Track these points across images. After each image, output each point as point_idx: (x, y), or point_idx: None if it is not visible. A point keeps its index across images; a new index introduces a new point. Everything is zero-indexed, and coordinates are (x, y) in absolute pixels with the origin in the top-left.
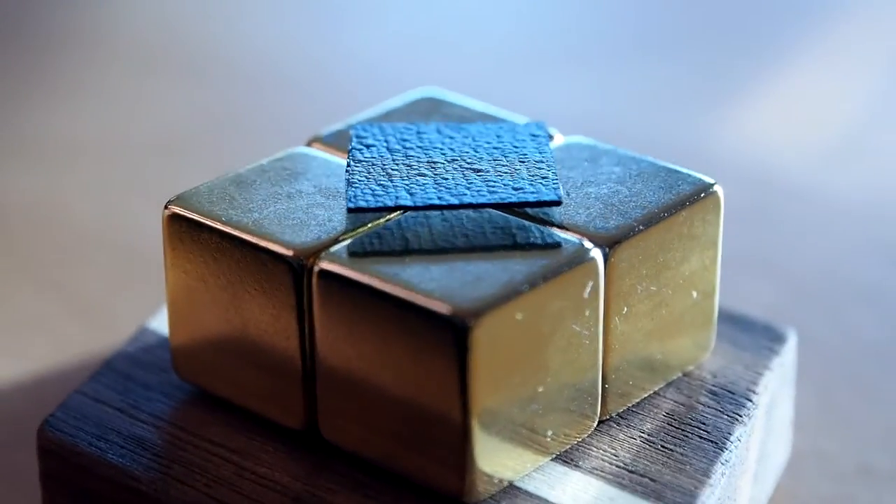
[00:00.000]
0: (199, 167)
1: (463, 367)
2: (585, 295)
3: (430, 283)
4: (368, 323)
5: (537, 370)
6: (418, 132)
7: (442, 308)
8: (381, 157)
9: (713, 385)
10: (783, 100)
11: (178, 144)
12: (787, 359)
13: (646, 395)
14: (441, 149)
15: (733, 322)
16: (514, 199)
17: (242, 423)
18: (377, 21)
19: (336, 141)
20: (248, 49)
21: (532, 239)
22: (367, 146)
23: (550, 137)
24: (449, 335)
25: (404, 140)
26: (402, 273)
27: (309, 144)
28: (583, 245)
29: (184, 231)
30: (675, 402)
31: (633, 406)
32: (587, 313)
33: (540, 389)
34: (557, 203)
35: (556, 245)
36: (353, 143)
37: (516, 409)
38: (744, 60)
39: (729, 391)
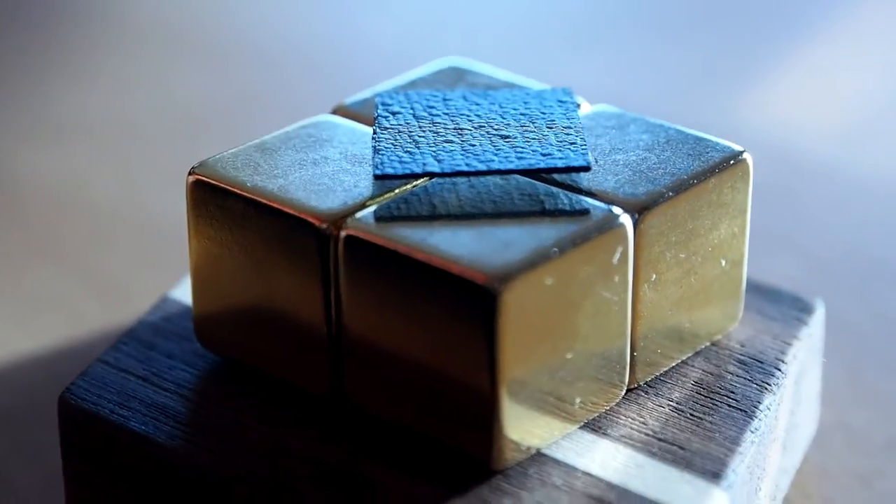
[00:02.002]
0: (221, 144)
1: (492, 334)
2: (615, 261)
3: (458, 249)
4: (395, 289)
5: (566, 337)
6: (444, 99)
7: (470, 273)
8: (408, 123)
9: (742, 354)
10: (806, 78)
11: (199, 123)
12: (815, 329)
13: (674, 364)
14: (468, 115)
15: (761, 293)
16: (542, 165)
17: (267, 391)
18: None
19: (361, 109)
20: (266, 28)
21: (560, 205)
22: (393, 113)
23: (577, 105)
24: (478, 301)
25: (430, 107)
26: (430, 238)
27: (334, 113)
28: (612, 211)
29: (208, 198)
30: (703, 371)
31: (661, 375)
32: (616, 279)
33: (569, 356)
34: (587, 169)
35: (586, 211)
36: (378, 111)
37: (545, 376)
38: (766, 39)
39: (758, 360)
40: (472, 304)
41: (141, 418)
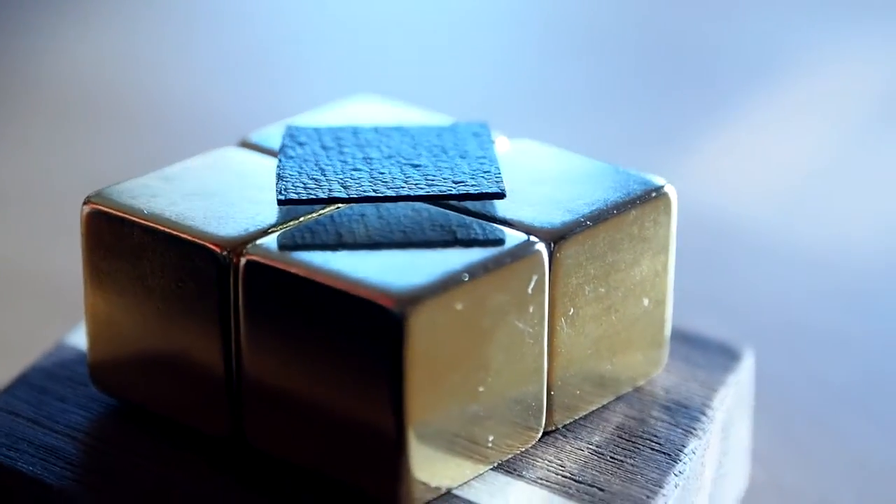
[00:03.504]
0: None
1: (398, 360)
2: (529, 290)
3: (363, 273)
4: (297, 318)
5: (478, 368)
6: (354, 132)
7: (376, 296)
8: (315, 153)
9: (666, 400)
10: (742, 149)
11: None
12: (743, 377)
13: (594, 409)
14: (378, 146)
15: (687, 341)
16: (454, 192)
17: (164, 433)
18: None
19: (267, 142)
20: (161, 88)
21: (474, 234)
22: (300, 143)
23: (492, 139)
24: (384, 325)
25: (339, 138)
26: (334, 263)
27: (240, 146)
28: (528, 239)
29: (103, 227)
30: (625, 415)
31: (580, 419)
32: (531, 310)
33: (480, 389)
34: (500, 196)
35: (500, 240)
36: (284, 141)
37: (455, 410)
38: (701, 103)
39: (683, 406)
40: (377, 328)
41: (29, 459)
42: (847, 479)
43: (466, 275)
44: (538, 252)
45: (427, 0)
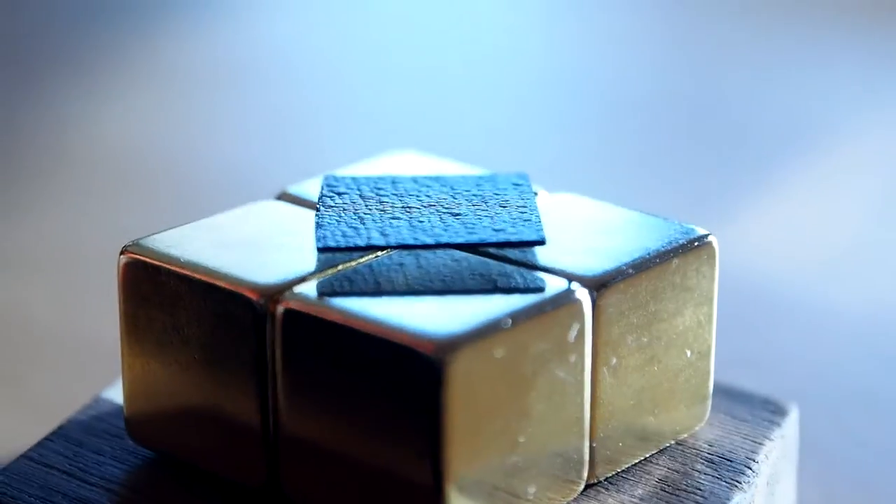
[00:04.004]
0: None
1: (437, 408)
2: (571, 339)
3: (402, 320)
4: (335, 366)
5: (519, 418)
6: (393, 181)
7: (415, 343)
8: (353, 202)
9: (709, 453)
10: (784, 214)
11: None
12: (788, 431)
13: (636, 462)
14: (417, 195)
15: (730, 396)
16: (493, 240)
17: (200, 485)
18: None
19: (306, 195)
20: (196, 151)
21: (514, 283)
22: (339, 193)
23: (535, 193)
24: (423, 372)
25: (378, 188)
26: (372, 310)
27: (278, 199)
28: (569, 286)
29: (140, 277)
30: (668, 468)
31: (622, 472)
32: (573, 359)
33: (521, 440)
34: (540, 243)
35: (540, 287)
36: (322, 191)
37: (495, 460)
38: (747, 171)
39: (727, 459)
40: (416, 375)
41: None
42: None
43: (508, 320)
44: (579, 300)
45: (465, 56)
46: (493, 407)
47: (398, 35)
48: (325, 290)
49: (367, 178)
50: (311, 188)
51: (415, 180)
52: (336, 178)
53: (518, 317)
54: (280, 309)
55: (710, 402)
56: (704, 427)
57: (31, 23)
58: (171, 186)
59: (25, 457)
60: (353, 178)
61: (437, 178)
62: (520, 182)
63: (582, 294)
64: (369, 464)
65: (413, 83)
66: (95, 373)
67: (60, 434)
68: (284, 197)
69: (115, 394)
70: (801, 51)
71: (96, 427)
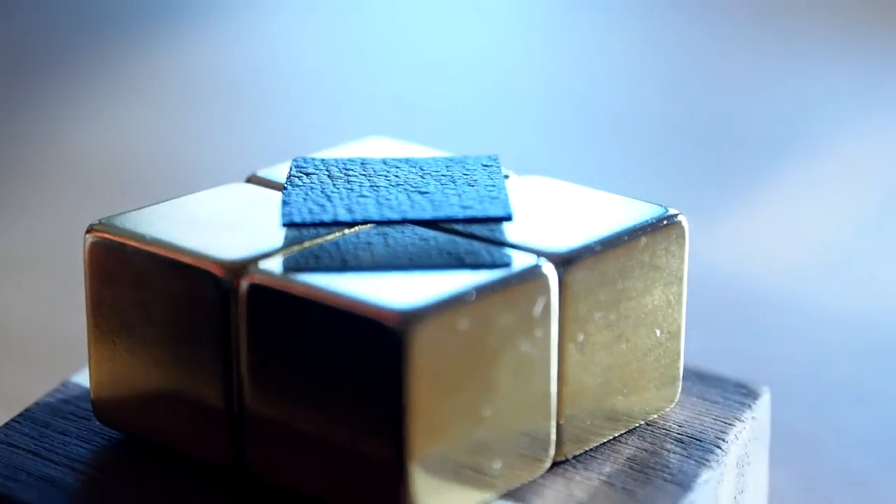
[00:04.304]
0: None
1: (399, 380)
2: (536, 314)
3: (366, 292)
4: (298, 340)
5: (483, 391)
6: (362, 163)
7: (377, 314)
8: (321, 182)
9: (679, 433)
10: (770, 217)
11: None
12: (760, 413)
13: (605, 441)
14: (385, 175)
15: (702, 379)
16: (461, 216)
17: (165, 464)
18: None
19: (275, 178)
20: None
21: (481, 259)
22: (307, 174)
23: (506, 176)
24: (385, 343)
25: (347, 169)
26: (336, 284)
27: (248, 182)
28: (536, 262)
29: (106, 256)
30: (637, 447)
31: (590, 451)
32: (539, 334)
33: (486, 414)
34: (508, 219)
35: (507, 263)
36: (291, 171)
37: (460, 433)
38: (732, 177)
39: (696, 439)
40: (379, 347)
41: (27, 489)
42: None
43: (472, 293)
44: (546, 275)
45: (455, 54)
46: (458, 380)
47: (384, 32)
48: (291, 266)
49: (337, 160)
50: (280, 172)
51: (384, 162)
52: (305, 160)
53: (483, 290)
54: (244, 284)
55: (680, 384)
56: (675, 409)
57: (29, 28)
58: (162, 189)
59: None
60: (322, 160)
61: (406, 160)
62: (489, 163)
63: (548, 269)
64: (334, 440)
65: (398, 78)
66: (67, 365)
67: (26, 416)
68: (254, 179)
69: (83, 378)
70: (796, 52)
71: (63, 409)
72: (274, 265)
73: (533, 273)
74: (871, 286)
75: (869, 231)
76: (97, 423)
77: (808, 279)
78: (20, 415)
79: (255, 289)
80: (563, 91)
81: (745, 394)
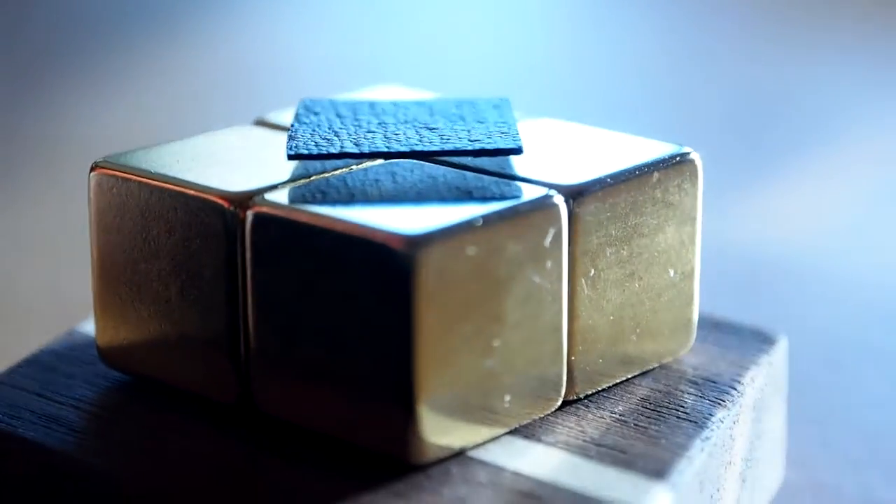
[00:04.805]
0: None
1: (407, 305)
2: (546, 243)
3: (374, 220)
4: (305, 269)
5: (493, 320)
6: (371, 104)
7: (385, 238)
8: (329, 120)
9: (694, 376)
10: (798, 195)
11: None
12: (776, 359)
13: (617, 383)
14: (394, 114)
15: (718, 327)
16: (470, 148)
17: (172, 403)
18: None
19: (283, 122)
20: None
21: (491, 192)
22: (315, 113)
23: (514, 114)
24: (392, 267)
25: (355, 109)
26: (343, 212)
27: (255, 125)
28: (546, 193)
29: (112, 192)
30: (651, 388)
31: (603, 391)
32: (549, 265)
33: (496, 344)
34: (518, 152)
35: (517, 196)
36: (298, 110)
37: (469, 363)
38: (762, 156)
39: (711, 381)
40: (387, 272)
41: (30, 426)
42: (888, 480)
43: (480, 219)
44: (556, 205)
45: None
46: (467, 307)
47: None
48: (297, 198)
49: (345, 101)
50: (288, 116)
51: (394, 103)
52: (313, 100)
53: (492, 218)
54: (249, 215)
55: (694, 327)
56: (689, 354)
57: (38, 25)
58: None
59: None
60: (331, 101)
61: (415, 102)
62: (500, 104)
63: (559, 199)
64: (341, 371)
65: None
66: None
67: (31, 361)
68: (262, 123)
69: (90, 328)
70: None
71: (69, 355)
72: (280, 196)
73: (543, 203)
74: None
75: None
76: (103, 367)
77: (831, 249)
78: (25, 360)
79: (261, 219)
80: (589, 81)
81: (761, 339)
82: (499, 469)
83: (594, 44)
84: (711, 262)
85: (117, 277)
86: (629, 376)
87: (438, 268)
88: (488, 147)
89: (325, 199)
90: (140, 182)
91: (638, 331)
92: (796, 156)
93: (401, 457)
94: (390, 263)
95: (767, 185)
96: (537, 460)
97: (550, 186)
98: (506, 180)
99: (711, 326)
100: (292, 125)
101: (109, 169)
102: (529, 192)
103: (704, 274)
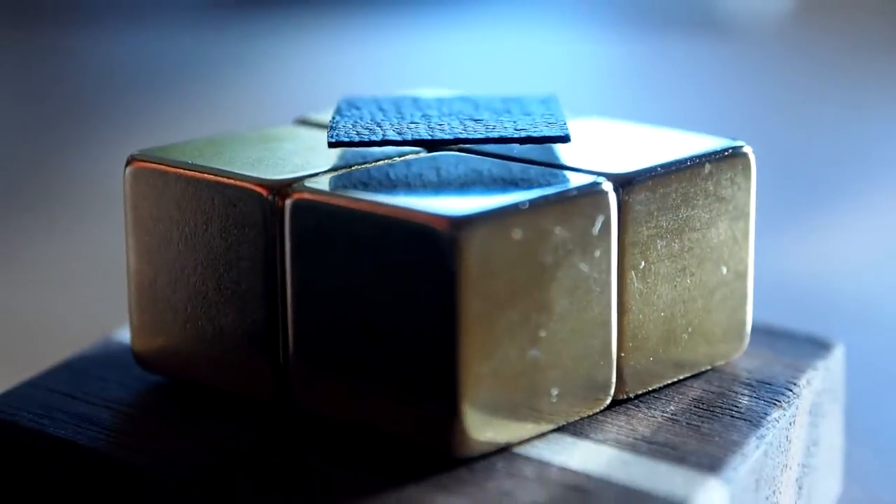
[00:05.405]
0: None
1: (451, 288)
2: (595, 231)
3: (415, 203)
4: (345, 256)
5: (539, 309)
6: (414, 100)
7: (430, 220)
8: (371, 112)
9: (748, 378)
10: (852, 231)
11: None
12: (833, 365)
13: (668, 383)
14: (438, 107)
15: (771, 333)
16: (515, 136)
17: (206, 403)
18: None
19: (324, 120)
20: None
21: (537, 181)
22: (356, 107)
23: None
24: (437, 250)
25: (398, 103)
26: (384, 197)
27: (296, 123)
28: (595, 180)
29: (147, 185)
30: (704, 389)
31: (653, 392)
32: (597, 254)
33: (542, 334)
34: (565, 139)
35: (564, 181)
36: (339, 105)
37: (514, 352)
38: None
39: (766, 383)
40: (431, 255)
41: (61, 425)
42: None
43: (527, 203)
44: (605, 192)
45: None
46: (512, 294)
47: None
48: (337, 185)
49: (387, 97)
50: (329, 116)
51: (438, 99)
52: (354, 97)
53: (539, 202)
54: (288, 202)
55: (748, 329)
56: (742, 357)
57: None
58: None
59: (28, 383)
60: (373, 97)
61: (459, 97)
62: (547, 100)
63: (607, 186)
64: (383, 360)
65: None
66: None
67: (66, 365)
68: (302, 121)
69: (124, 335)
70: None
71: (103, 359)
72: (319, 183)
73: (591, 189)
74: None
75: None
76: (137, 371)
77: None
78: (59, 364)
79: (300, 206)
80: (652, 113)
81: (817, 345)
82: (545, 464)
83: (656, 78)
84: (768, 276)
85: (153, 273)
86: (680, 378)
87: (483, 251)
88: (535, 135)
89: (367, 188)
90: (176, 173)
91: (690, 329)
92: (855, 193)
93: (444, 449)
94: (433, 246)
95: (821, 222)
96: (586, 456)
97: (599, 175)
98: (553, 170)
99: (764, 332)
100: (333, 118)
101: (145, 161)
102: (577, 181)
103: (758, 285)
